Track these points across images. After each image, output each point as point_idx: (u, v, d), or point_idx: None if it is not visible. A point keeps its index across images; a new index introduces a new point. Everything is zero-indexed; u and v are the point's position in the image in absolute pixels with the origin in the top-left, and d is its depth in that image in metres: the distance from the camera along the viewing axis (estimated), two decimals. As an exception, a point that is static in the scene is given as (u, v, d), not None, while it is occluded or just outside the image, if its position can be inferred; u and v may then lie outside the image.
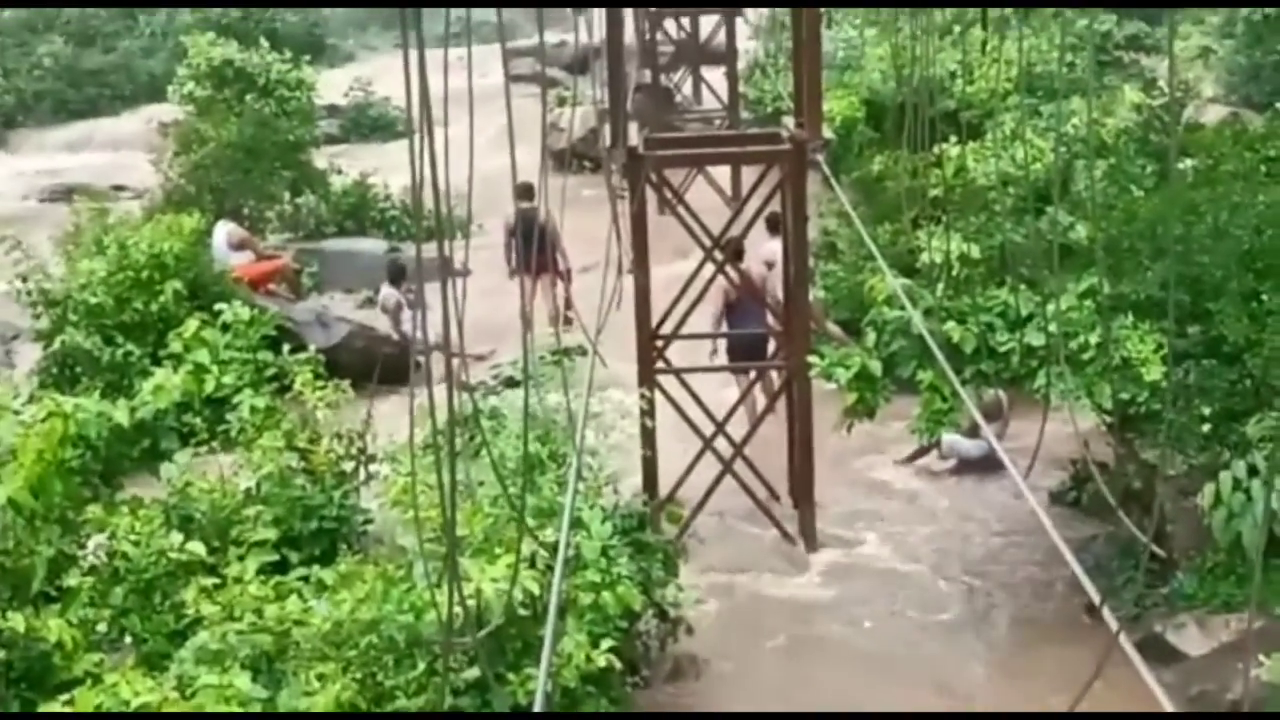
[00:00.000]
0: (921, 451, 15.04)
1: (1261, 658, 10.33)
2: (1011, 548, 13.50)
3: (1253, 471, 9.37)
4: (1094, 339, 11.35)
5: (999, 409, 14.02)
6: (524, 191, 13.79)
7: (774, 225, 15.15)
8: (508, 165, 6.24)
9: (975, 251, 12.74)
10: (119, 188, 26.49)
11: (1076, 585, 7.00)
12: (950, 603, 12.79)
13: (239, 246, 19.72)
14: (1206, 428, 11.50)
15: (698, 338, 14.79)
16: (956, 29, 23.84)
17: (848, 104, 23.54)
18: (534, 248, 14.91)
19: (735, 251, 14.81)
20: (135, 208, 21.38)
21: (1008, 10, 23.45)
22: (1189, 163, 15.49)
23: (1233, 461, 9.70)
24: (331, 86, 30.58)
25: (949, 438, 14.50)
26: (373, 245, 22.42)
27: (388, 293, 18.46)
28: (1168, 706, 5.04)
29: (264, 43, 25.02)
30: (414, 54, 3.65)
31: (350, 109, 33.59)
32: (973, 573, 13.20)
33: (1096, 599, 6.32)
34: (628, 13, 17.87)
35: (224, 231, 19.77)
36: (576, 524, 9.40)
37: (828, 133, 13.72)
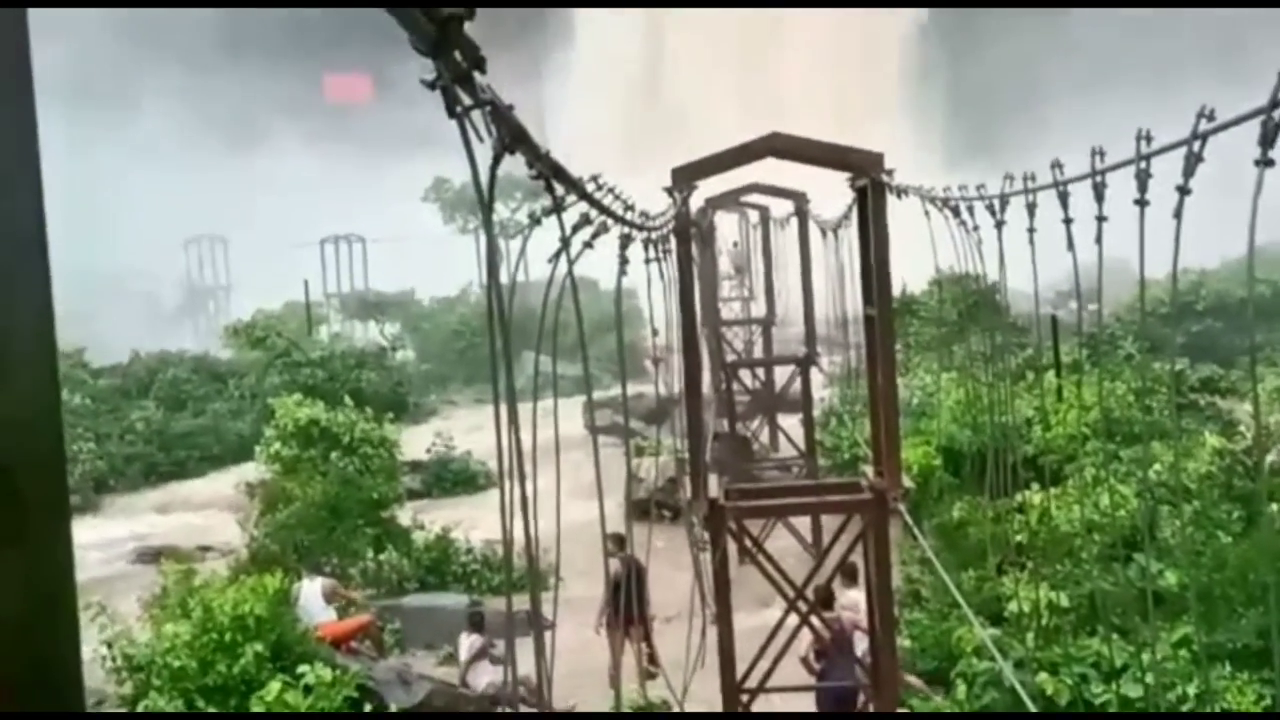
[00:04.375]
0: None
1: None
2: None
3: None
4: (1192, 689, 11.06)
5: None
6: (618, 542, 14.01)
7: (851, 576, 15.05)
8: (585, 517, 6.27)
9: (1064, 600, 12.54)
10: (205, 548, 26.77)
11: None
12: None
13: (330, 599, 19.73)
14: (1317, 780, 11.08)
15: (783, 691, 14.49)
16: (1030, 375, 24.06)
17: (923, 452, 23.62)
18: (634, 597, 14.93)
19: (824, 599, 14.65)
20: (222, 567, 21.57)
21: (1082, 355, 23.72)
22: (1275, 507, 15.32)
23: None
24: (414, 442, 31.10)
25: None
26: (454, 600, 22.37)
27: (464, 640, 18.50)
28: None
29: (349, 401, 25.63)
30: (504, 407, 3.72)
31: (432, 464, 34.08)
32: None
33: None
34: (705, 367, 18.16)
35: (315, 588, 19.77)
36: None
37: (906, 481, 13.72)
